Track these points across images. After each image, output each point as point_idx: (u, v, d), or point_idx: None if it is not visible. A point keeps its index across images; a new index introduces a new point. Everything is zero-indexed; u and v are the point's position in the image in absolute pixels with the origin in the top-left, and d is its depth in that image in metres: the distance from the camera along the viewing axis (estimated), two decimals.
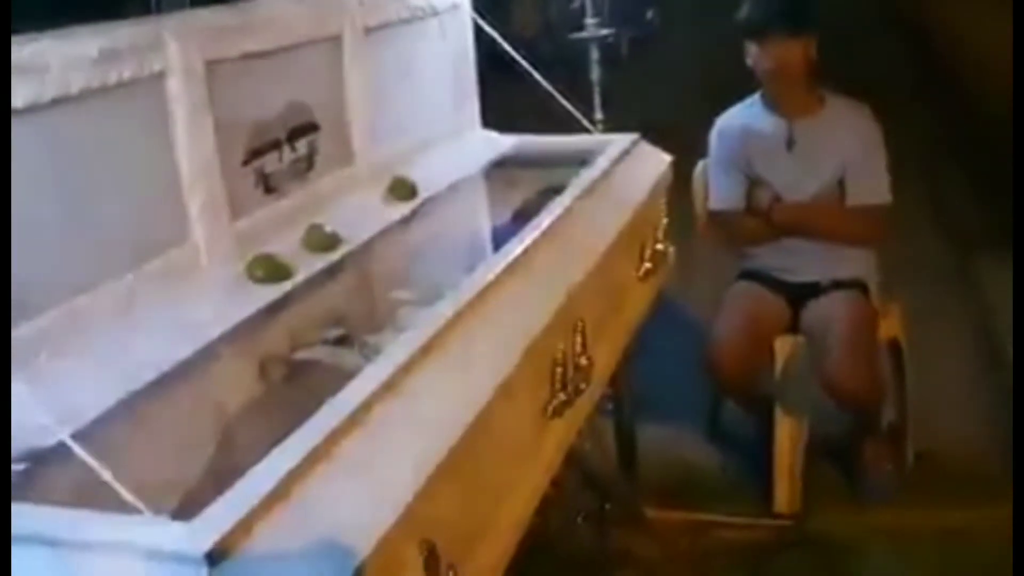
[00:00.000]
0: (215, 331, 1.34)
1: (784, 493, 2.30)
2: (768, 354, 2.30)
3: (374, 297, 1.73)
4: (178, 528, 0.80)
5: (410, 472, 1.02)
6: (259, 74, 1.60)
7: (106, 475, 0.85)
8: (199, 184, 1.44)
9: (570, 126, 2.49)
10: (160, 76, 1.36)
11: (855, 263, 2.37)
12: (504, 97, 2.82)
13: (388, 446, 1.04)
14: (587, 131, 2.59)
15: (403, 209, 1.92)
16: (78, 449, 0.88)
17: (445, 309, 1.31)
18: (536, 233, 1.65)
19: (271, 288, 1.50)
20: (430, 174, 2.08)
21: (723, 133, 2.48)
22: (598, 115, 2.81)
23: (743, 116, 2.48)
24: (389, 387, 1.11)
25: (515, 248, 1.57)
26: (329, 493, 0.94)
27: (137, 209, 1.34)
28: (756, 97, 2.47)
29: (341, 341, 1.48)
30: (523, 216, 2.01)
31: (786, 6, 2.37)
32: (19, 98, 1.14)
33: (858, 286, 2.33)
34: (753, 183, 2.42)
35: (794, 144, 2.39)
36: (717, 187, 2.46)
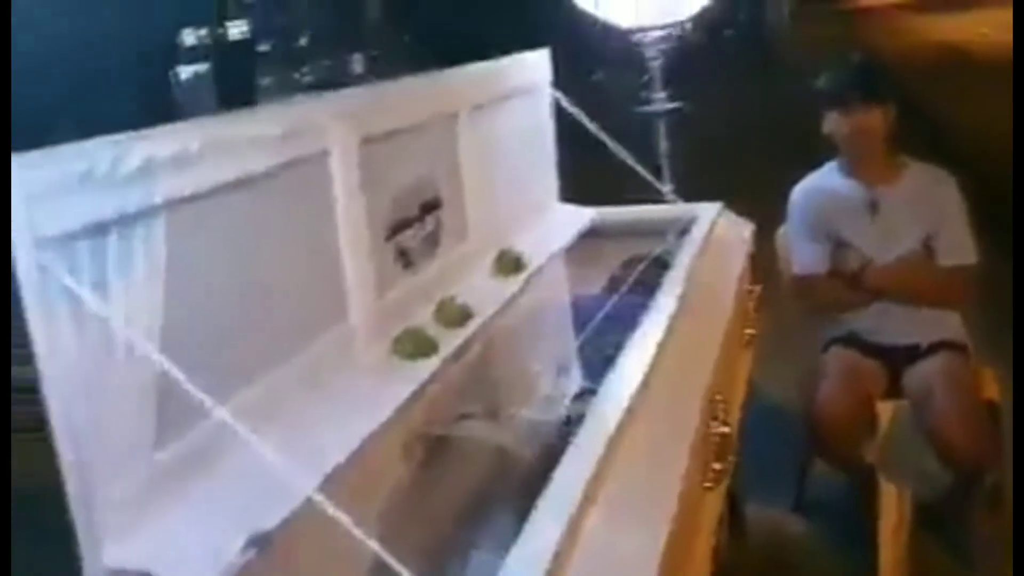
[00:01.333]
0: (384, 410, 1.32)
1: (889, 560, 2.25)
2: (870, 419, 2.29)
3: (516, 370, 1.72)
4: None
5: (645, 554, 1.00)
6: (396, 151, 1.62)
7: (385, 553, 0.83)
8: (355, 261, 1.44)
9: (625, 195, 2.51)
10: (324, 155, 1.37)
11: (949, 324, 2.37)
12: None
13: (618, 525, 1.02)
14: (659, 201, 2.62)
15: (515, 281, 1.92)
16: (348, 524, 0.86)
17: (614, 397, 1.28)
18: (668, 311, 1.64)
19: (421, 364, 1.49)
20: (530, 246, 2.09)
21: (803, 199, 2.51)
22: (666, 186, 2.84)
23: (822, 182, 2.51)
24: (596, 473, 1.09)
25: (653, 329, 1.54)
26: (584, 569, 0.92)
27: (304, 286, 1.34)
28: (833, 165, 2.51)
29: (494, 415, 1.46)
30: (623, 284, 2.02)
31: (865, 75, 2.42)
32: (209, 178, 1.14)
33: (957, 347, 2.33)
34: (836, 247, 2.43)
35: (877, 210, 2.41)
36: (801, 253, 2.48)
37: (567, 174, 2.61)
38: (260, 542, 0.98)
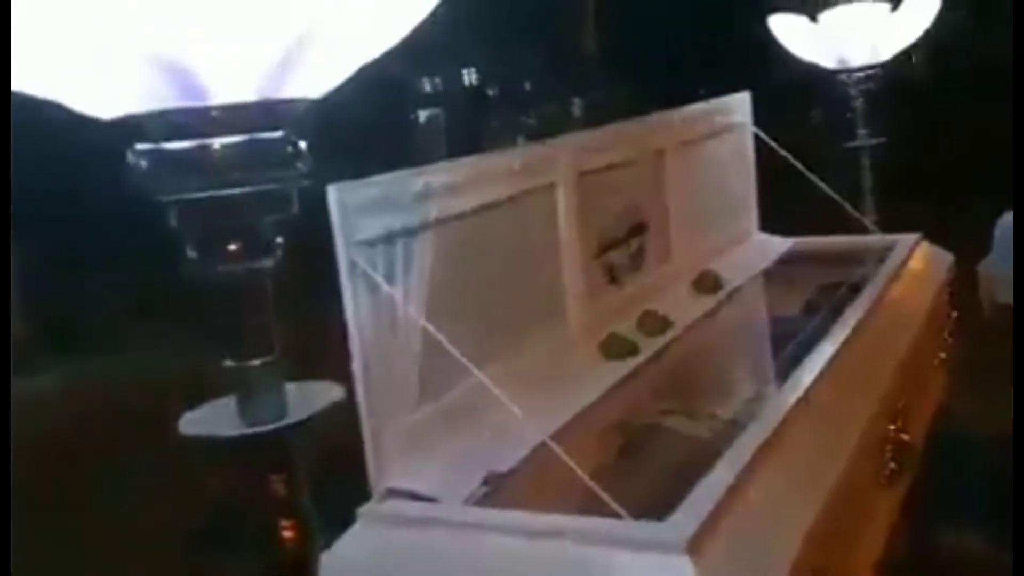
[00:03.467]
0: (591, 396, 1.60)
1: None
2: None
3: (712, 376, 1.94)
4: (661, 527, 1.03)
5: (801, 516, 1.21)
6: (608, 182, 1.90)
7: (599, 489, 1.10)
8: (572, 274, 1.73)
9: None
10: (551, 186, 1.68)
11: None
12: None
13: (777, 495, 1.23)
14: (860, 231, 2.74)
15: (712, 300, 2.14)
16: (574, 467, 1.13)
17: (790, 394, 1.49)
18: (850, 326, 1.81)
19: (625, 363, 1.75)
20: (727, 270, 2.30)
21: (1008, 230, 2.54)
22: (869, 217, 2.95)
23: None
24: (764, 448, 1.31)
25: (833, 341, 1.73)
26: (743, 527, 1.14)
27: (532, 290, 1.64)
28: None
29: (689, 412, 1.69)
30: (818, 308, 2.18)
31: None
32: (458, 205, 1.46)
33: None
34: None
35: None
36: (1005, 284, 2.51)
37: (771, 205, 2.80)
38: (494, 481, 1.28)
